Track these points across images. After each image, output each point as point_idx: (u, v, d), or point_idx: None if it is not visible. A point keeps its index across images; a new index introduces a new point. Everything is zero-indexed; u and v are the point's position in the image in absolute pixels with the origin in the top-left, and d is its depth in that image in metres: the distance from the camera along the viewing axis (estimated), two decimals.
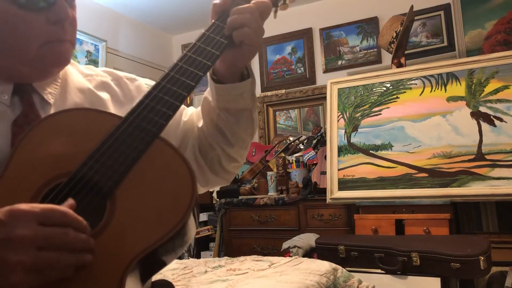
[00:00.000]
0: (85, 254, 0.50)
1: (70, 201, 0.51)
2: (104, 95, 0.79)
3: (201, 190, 0.88)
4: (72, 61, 0.83)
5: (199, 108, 0.84)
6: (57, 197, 0.56)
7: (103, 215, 0.55)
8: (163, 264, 0.59)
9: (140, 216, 0.55)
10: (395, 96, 2.52)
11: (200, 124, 0.83)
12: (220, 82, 0.75)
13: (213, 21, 0.73)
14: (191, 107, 0.90)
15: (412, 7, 2.65)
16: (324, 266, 1.32)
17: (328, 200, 2.49)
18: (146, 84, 0.87)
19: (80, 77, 0.81)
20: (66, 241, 0.48)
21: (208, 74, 0.75)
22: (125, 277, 0.50)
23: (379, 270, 1.87)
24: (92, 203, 0.56)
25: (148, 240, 0.53)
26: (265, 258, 1.56)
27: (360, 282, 1.36)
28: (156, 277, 0.69)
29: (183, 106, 0.88)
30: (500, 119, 2.21)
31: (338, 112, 2.67)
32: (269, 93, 3.63)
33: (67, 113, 0.65)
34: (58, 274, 0.48)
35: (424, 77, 2.47)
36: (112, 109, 0.78)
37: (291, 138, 3.39)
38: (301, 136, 3.32)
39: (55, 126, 0.63)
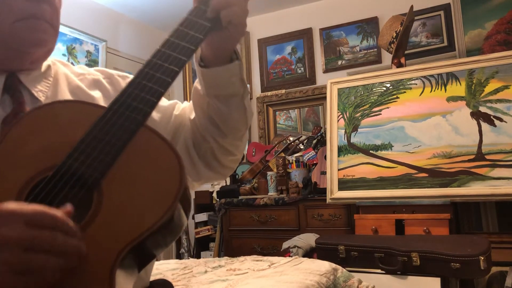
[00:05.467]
0: (74, 258, 0.48)
1: (68, 207, 0.50)
2: (96, 93, 0.79)
3: (195, 185, 0.87)
4: (65, 62, 0.83)
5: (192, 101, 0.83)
6: (42, 191, 0.55)
7: (90, 207, 0.54)
8: (153, 256, 0.59)
9: (127, 207, 0.54)
10: (395, 96, 2.52)
11: (192, 116, 0.81)
12: (208, 68, 0.73)
13: (195, 5, 0.70)
14: (185, 102, 0.88)
15: (412, 7, 2.65)
16: (324, 266, 1.32)
17: (328, 200, 2.49)
18: None
19: (72, 77, 0.80)
20: (54, 245, 0.47)
21: (195, 61, 0.73)
22: (114, 269, 0.50)
23: (379, 270, 1.87)
24: (79, 195, 0.55)
25: (136, 230, 0.52)
26: (265, 258, 1.56)
27: (360, 282, 1.36)
28: (155, 276, 0.69)
29: (175, 100, 0.87)
30: (500, 119, 2.21)
31: (338, 112, 2.67)
32: (269, 93, 3.63)
33: (50, 106, 0.64)
34: (46, 278, 0.46)
35: (424, 77, 2.47)
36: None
37: (291, 138, 3.39)
38: (301, 136, 3.33)
39: (39, 119, 0.62)
